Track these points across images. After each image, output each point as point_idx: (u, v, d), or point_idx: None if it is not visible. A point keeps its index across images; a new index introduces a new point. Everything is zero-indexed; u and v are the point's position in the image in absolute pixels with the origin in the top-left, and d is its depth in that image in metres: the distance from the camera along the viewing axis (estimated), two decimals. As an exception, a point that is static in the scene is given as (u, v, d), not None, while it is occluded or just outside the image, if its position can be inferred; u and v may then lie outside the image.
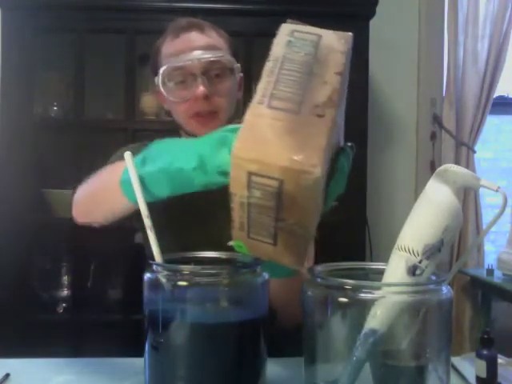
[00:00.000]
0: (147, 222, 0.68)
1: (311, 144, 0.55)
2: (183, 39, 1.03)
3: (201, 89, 1.00)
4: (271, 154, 0.55)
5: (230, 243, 0.65)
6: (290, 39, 0.64)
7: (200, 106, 1.02)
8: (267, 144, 0.55)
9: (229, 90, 1.05)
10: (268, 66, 0.62)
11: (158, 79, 1.04)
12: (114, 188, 0.75)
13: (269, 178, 0.55)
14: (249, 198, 0.57)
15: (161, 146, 0.72)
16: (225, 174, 0.62)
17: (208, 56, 1.01)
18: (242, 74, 1.11)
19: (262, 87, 0.60)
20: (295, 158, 0.54)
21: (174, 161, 0.67)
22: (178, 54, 1.02)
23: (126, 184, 0.72)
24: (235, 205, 0.59)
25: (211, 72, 1.02)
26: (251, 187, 0.56)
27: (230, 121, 1.05)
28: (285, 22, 0.68)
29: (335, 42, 0.65)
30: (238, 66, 1.05)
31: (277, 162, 0.54)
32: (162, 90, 1.04)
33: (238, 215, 0.60)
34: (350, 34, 0.67)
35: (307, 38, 0.65)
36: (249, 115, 0.58)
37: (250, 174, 0.55)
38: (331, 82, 0.61)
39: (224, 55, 1.04)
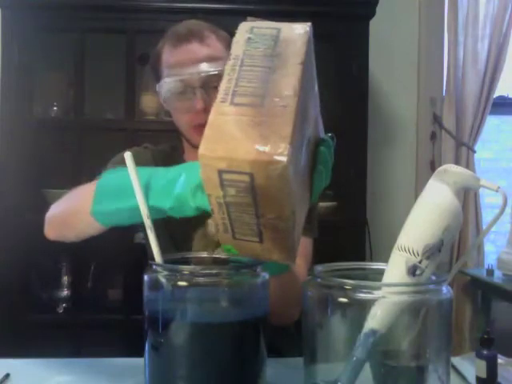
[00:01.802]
0: (147, 222, 0.68)
1: (277, 134, 0.54)
2: (183, 51, 1.05)
3: (199, 102, 1.02)
4: (238, 148, 0.54)
5: (216, 251, 0.65)
6: (250, 36, 0.64)
7: (200, 118, 1.03)
8: (233, 140, 0.54)
9: None
10: (229, 64, 0.61)
11: (159, 90, 1.06)
12: (85, 213, 0.78)
13: (239, 173, 0.54)
14: (224, 198, 0.57)
15: (151, 178, 0.72)
16: (203, 209, 0.64)
17: (208, 70, 1.03)
18: None
19: (224, 86, 0.59)
20: (261, 149, 0.53)
21: (155, 200, 0.69)
22: (178, 66, 1.04)
23: (97, 214, 0.76)
24: (213, 206, 0.59)
25: (210, 84, 1.03)
26: (224, 186, 0.56)
27: None
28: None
29: (295, 33, 0.64)
30: None
31: (244, 155, 0.53)
32: (162, 101, 1.08)
33: (219, 217, 0.60)
34: (309, 23, 0.66)
35: (266, 33, 0.64)
36: (212, 115, 0.57)
37: (220, 171, 0.55)
38: (293, 72, 0.60)
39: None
